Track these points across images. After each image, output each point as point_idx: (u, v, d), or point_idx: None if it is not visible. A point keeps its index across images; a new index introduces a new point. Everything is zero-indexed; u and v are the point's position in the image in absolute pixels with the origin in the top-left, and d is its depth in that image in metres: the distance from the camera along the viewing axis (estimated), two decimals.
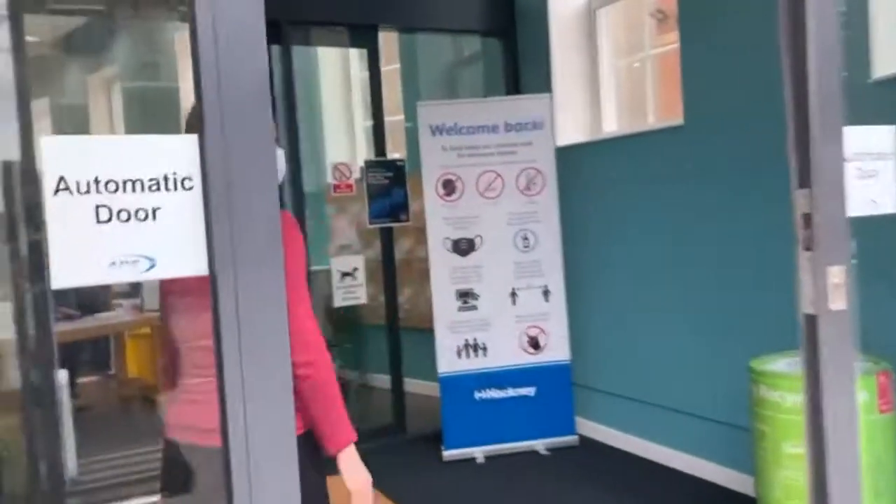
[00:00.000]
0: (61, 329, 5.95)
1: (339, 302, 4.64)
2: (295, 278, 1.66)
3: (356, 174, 4.81)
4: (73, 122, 10.97)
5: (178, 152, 0.81)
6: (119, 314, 6.51)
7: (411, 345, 5.12)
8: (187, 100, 8.42)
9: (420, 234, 4.86)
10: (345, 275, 4.61)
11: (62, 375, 4.72)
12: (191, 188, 0.82)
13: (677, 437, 4.17)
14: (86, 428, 5.96)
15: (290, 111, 4.50)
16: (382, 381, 5.34)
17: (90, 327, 6.21)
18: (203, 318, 1.00)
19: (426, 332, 4.64)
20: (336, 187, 4.66)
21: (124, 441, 5.64)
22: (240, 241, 0.81)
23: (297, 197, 4.50)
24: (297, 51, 5.37)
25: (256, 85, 0.83)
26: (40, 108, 12.05)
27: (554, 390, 4.59)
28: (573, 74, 4.89)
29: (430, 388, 4.98)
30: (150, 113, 9.18)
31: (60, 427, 4.21)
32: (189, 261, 0.81)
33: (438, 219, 4.53)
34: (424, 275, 4.68)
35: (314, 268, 4.68)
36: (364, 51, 4.95)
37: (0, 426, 4.28)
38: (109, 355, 7.15)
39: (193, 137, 0.82)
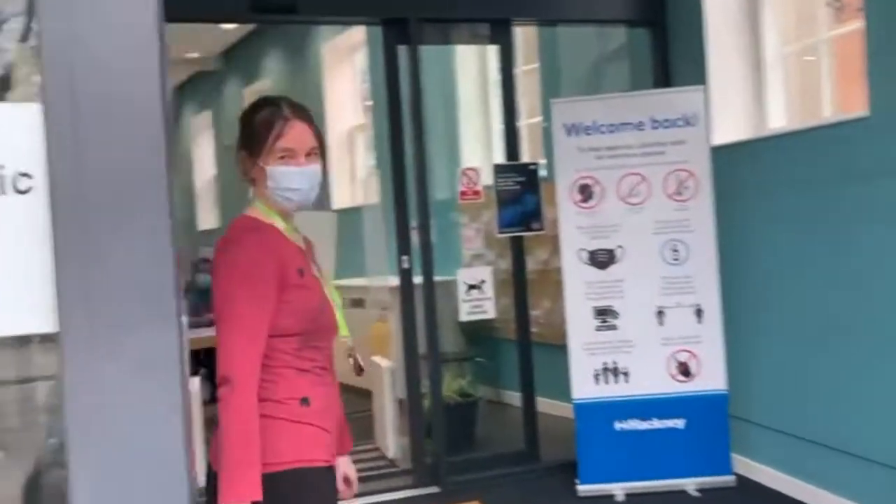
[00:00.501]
0: (202, 336, 6.06)
1: (464, 316, 4.33)
2: (224, 299, 1.61)
3: (485, 180, 4.48)
4: (232, 130, 11.44)
5: (8, 133, 0.50)
6: None
7: (546, 362, 4.71)
8: (332, 114, 8.48)
9: (557, 243, 4.46)
10: (471, 287, 4.28)
11: (193, 383, 4.73)
12: (27, 191, 0.51)
13: (858, 486, 3.50)
14: None
15: (417, 114, 4.24)
16: (515, 398, 4.97)
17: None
18: None
19: (564, 349, 4.22)
20: (463, 194, 4.35)
21: None
22: (103, 282, 0.49)
23: (422, 204, 4.23)
24: (433, 50, 5.14)
25: (139, 30, 0.50)
26: (203, 121, 12.74)
27: (707, 423, 4.03)
28: (732, 65, 4.30)
29: (566, 409, 4.55)
30: None
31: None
32: (23, 311, 0.50)
33: (573, 227, 4.11)
34: (561, 288, 4.26)
35: (440, 277, 4.38)
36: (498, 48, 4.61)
37: None
38: None
39: (35, 108, 0.51)
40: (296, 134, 1.70)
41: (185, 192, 13.65)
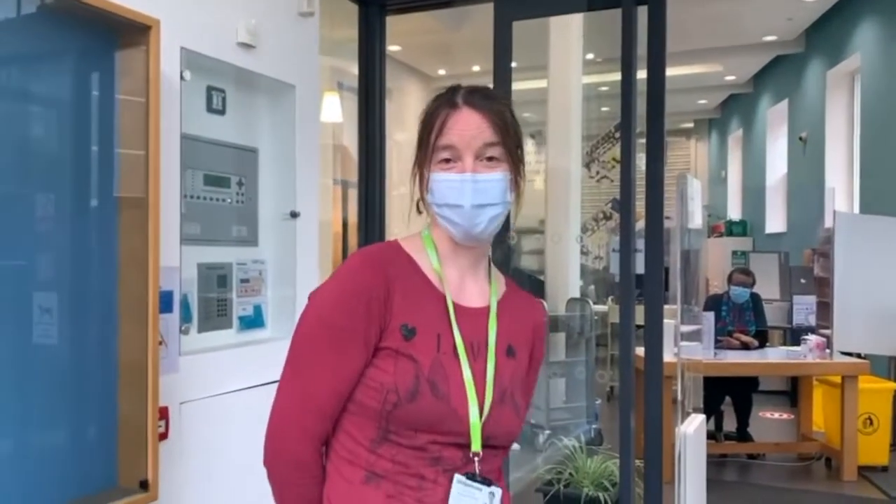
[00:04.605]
0: (722, 361, 5.11)
1: None
2: (292, 342, 1.19)
3: None
4: (809, 121, 9.95)
5: None
6: (803, 351, 5.31)
7: None
8: None
9: None
10: None
11: (694, 422, 3.88)
12: None
13: None
14: (749, 479, 5.02)
15: None
16: None
17: (759, 363, 5.18)
18: None
19: None
20: None
21: None
22: None
23: None
24: None
25: None
26: (779, 113, 11.46)
27: None
28: None
29: None
30: (889, 110, 7.46)
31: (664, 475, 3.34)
32: None
33: None
34: None
35: None
36: None
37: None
38: (796, 395, 5.97)
39: None
40: (461, 126, 1.18)
41: (757, 192, 12.51)
